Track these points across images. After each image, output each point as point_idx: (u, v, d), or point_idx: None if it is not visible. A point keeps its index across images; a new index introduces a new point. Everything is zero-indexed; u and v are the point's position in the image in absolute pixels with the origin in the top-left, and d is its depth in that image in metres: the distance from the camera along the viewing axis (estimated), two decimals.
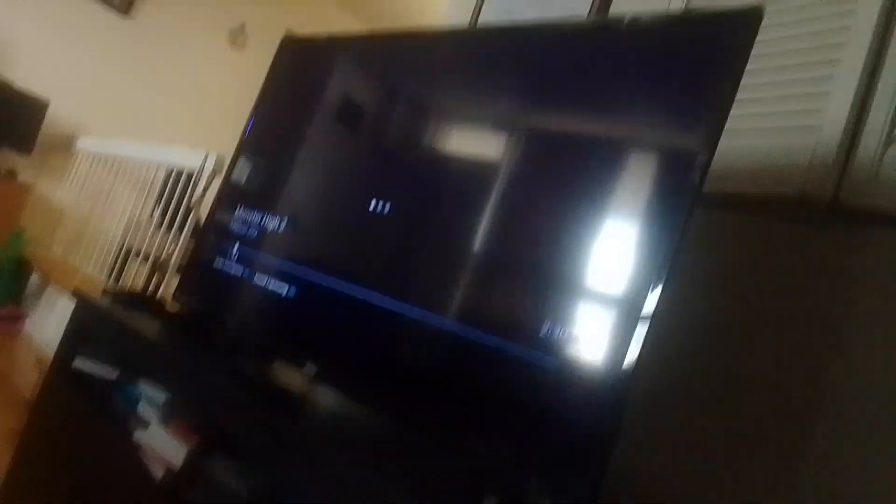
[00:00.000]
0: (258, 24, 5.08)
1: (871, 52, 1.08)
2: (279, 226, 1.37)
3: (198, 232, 2.55)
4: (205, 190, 2.84)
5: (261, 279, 1.34)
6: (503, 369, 0.94)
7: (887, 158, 1.04)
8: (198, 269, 1.58)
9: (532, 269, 0.99)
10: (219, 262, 1.46)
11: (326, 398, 1.27)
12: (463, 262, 1.07)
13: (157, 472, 1.15)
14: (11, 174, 3.84)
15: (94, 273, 3.44)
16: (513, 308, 0.99)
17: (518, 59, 1.18)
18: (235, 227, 1.47)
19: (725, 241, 1.24)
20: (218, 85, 4.96)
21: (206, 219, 1.60)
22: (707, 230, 1.19)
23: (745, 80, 0.88)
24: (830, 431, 1.04)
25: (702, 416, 1.19)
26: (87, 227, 3.85)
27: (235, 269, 1.41)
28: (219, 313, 1.45)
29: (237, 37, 5.06)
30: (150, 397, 1.28)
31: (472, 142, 1.19)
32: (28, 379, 2.71)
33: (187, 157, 3.03)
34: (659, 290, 0.83)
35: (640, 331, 0.83)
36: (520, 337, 0.94)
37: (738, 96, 0.88)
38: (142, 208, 3.33)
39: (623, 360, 0.83)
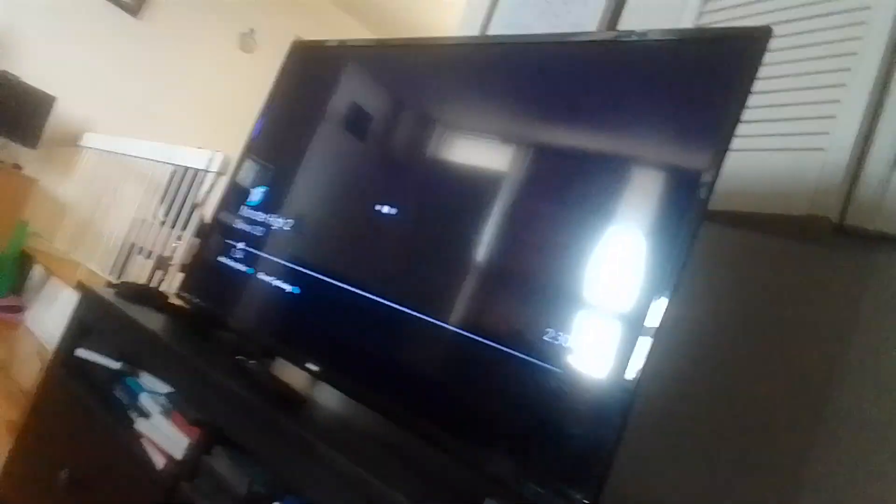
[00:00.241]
0: (268, 29, 5.11)
1: (879, 77, 1.09)
2: (284, 226, 1.38)
3: (201, 231, 2.56)
4: (210, 190, 2.85)
5: (265, 278, 1.35)
6: (505, 375, 0.95)
7: (894, 182, 1.05)
8: (202, 266, 1.59)
9: (537, 277, 0.99)
10: (223, 260, 1.47)
11: (327, 398, 1.28)
12: (468, 269, 1.08)
13: (158, 464, 1.15)
14: (17, 167, 3.86)
15: (96, 268, 3.45)
16: (517, 314, 1.00)
17: (526, 71, 1.19)
18: (240, 226, 1.48)
19: (732, 256, 1.25)
20: (226, 87, 4.99)
21: (212, 217, 1.61)
22: (713, 246, 1.20)
23: (753, 100, 0.89)
24: (833, 450, 1.04)
25: (704, 430, 1.19)
26: (91, 223, 3.87)
27: (239, 268, 1.42)
28: (222, 310, 1.46)
29: (247, 41, 5.09)
30: (152, 390, 1.29)
31: (480, 151, 1.20)
32: (27, 371, 2.71)
33: (193, 157, 3.04)
34: (664, 303, 0.84)
35: (645, 343, 0.84)
36: (523, 343, 0.94)
37: (747, 116, 0.89)
38: (146, 206, 3.34)
39: (627, 371, 0.84)
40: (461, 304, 1.06)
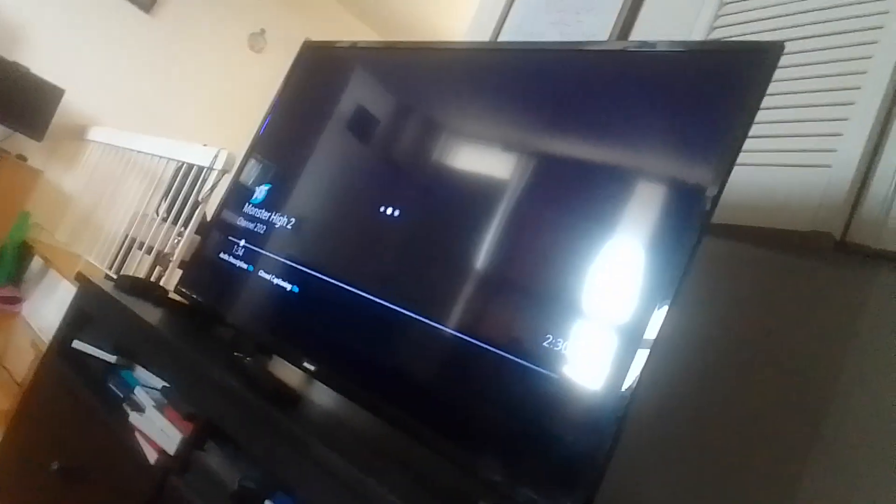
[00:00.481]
0: (279, 30, 5.14)
1: (886, 96, 1.09)
2: (287, 225, 1.38)
3: (203, 228, 2.56)
4: (213, 187, 2.85)
5: (265, 276, 1.35)
6: (502, 379, 0.94)
7: None
8: (202, 262, 1.59)
9: (538, 283, 0.99)
10: (224, 257, 1.47)
11: (323, 397, 1.27)
12: (469, 273, 1.07)
13: (151, 458, 1.14)
14: (22, 158, 3.87)
15: (96, 262, 3.44)
16: (516, 319, 1.00)
17: (535, 78, 1.19)
18: (243, 223, 1.48)
19: (732, 269, 1.24)
20: (234, 86, 5.01)
21: (215, 214, 1.61)
22: (714, 258, 1.20)
23: (760, 115, 0.89)
24: (829, 465, 1.04)
25: (699, 441, 1.19)
26: (93, 216, 3.87)
27: (240, 265, 1.42)
28: (220, 307, 1.46)
29: (257, 41, 5.12)
30: (147, 384, 1.28)
31: (486, 157, 1.20)
32: (22, 362, 2.71)
33: (198, 154, 3.05)
34: (663, 313, 0.84)
35: (643, 353, 0.83)
36: (521, 348, 0.94)
37: (754, 130, 0.89)
38: (149, 201, 3.34)
39: (624, 380, 0.83)
40: (460, 308, 1.06)
